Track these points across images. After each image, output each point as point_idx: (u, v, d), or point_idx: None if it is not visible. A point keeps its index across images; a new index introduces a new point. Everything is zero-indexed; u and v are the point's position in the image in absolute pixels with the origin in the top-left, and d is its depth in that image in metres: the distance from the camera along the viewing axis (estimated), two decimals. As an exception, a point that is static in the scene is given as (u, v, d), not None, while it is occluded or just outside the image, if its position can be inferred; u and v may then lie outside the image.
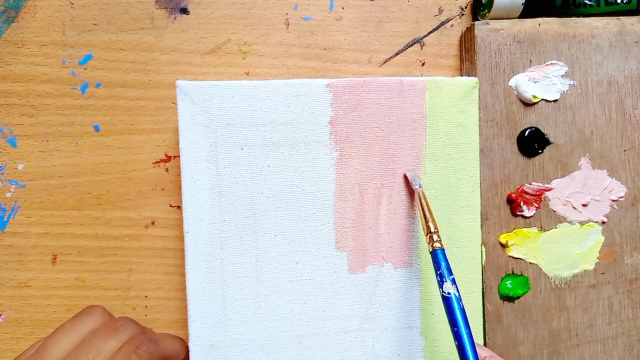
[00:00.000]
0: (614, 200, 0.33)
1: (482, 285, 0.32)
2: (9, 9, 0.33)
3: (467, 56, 0.33)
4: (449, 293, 0.26)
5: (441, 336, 0.32)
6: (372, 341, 0.31)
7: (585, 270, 0.33)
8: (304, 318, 0.31)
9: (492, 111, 0.32)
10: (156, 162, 0.34)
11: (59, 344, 0.25)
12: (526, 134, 0.32)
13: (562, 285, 0.32)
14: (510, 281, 0.32)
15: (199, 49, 0.34)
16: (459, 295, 0.26)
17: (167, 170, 0.34)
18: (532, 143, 0.32)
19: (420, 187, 0.30)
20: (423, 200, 0.30)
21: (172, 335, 0.29)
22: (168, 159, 0.34)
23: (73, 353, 0.25)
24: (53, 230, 0.33)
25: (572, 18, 0.32)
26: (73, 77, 0.33)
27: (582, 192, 0.32)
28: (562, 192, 0.32)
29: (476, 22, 0.32)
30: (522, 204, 0.32)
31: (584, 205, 0.33)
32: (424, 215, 0.29)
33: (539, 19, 0.32)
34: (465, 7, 0.35)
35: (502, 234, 0.32)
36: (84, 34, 0.33)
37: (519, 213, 0.32)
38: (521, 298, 0.32)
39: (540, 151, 0.32)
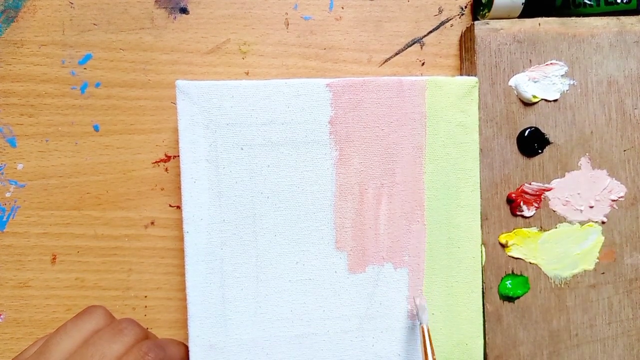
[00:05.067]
0: (614, 200, 0.33)
1: (482, 285, 0.32)
2: (8, 9, 0.33)
3: (467, 56, 0.33)
4: None
5: (441, 336, 0.31)
6: (372, 341, 0.31)
7: (585, 270, 0.33)
8: (304, 318, 0.31)
9: (492, 111, 0.32)
10: (156, 162, 0.34)
11: (61, 345, 0.25)
12: (526, 133, 0.32)
13: (562, 285, 0.32)
14: (510, 281, 0.32)
15: (199, 48, 0.34)
16: None
17: (166, 170, 0.34)
18: (532, 143, 0.32)
19: (423, 322, 0.30)
20: (427, 337, 0.30)
21: (176, 341, 0.29)
22: (168, 158, 0.34)
23: (77, 355, 0.24)
24: (53, 230, 0.33)
25: (572, 18, 0.32)
26: (73, 77, 0.33)
27: (582, 192, 0.32)
28: (562, 192, 0.32)
29: (476, 22, 0.32)
30: (522, 203, 0.32)
31: (584, 205, 0.33)
32: (425, 351, 0.29)
33: (539, 19, 0.32)
34: (465, 7, 0.35)
35: (502, 234, 0.32)
36: (83, 33, 0.33)
37: (518, 213, 0.32)
38: (521, 298, 0.32)
39: (540, 151, 0.32)
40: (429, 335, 0.29)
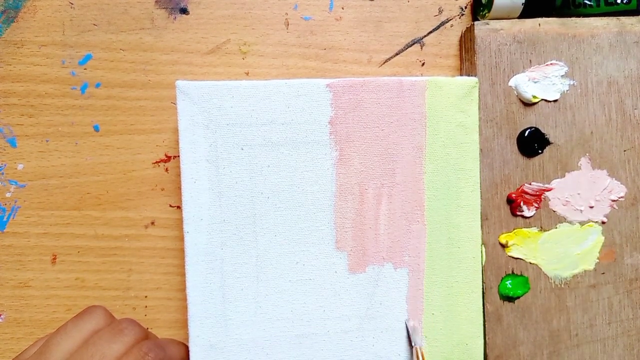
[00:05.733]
0: (614, 200, 0.33)
1: (482, 285, 0.32)
2: (8, 9, 0.33)
3: (467, 56, 0.33)
4: None
5: (441, 336, 0.31)
6: (372, 341, 0.31)
7: (585, 270, 0.33)
8: (304, 318, 0.31)
9: (492, 111, 0.32)
10: (156, 162, 0.34)
11: (61, 345, 0.25)
12: (526, 134, 0.32)
13: (562, 285, 0.32)
14: (510, 281, 0.32)
15: (199, 49, 0.34)
16: None
17: (166, 170, 0.34)
18: (532, 143, 0.32)
19: (418, 344, 0.31)
20: (421, 359, 0.30)
21: (177, 341, 0.29)
22: (168, 159, 0.34)
23: (77, 355, 0.24)
24: (53, 230, 0.33)
25: (572, 18, 0.32)
26: (73, 77, 0.33)
27: (582, 192, 0.32)
28: (562, 192, 0.32)
29: (476, 22, 0.32)
30: (522, 204, 0.32)
31: (584, 206, 0.33)
32: None
33: (539, 19, 0.32)
34: (465, 7, 0.35)
35: (502, 234, 0.32)
36: (83, 34, 0.33)
37: (519, 213, 0.32)
38: (521, 298, 0.32)
39: (540, 151, 0.32)
40: (423, 358, 0.30)
